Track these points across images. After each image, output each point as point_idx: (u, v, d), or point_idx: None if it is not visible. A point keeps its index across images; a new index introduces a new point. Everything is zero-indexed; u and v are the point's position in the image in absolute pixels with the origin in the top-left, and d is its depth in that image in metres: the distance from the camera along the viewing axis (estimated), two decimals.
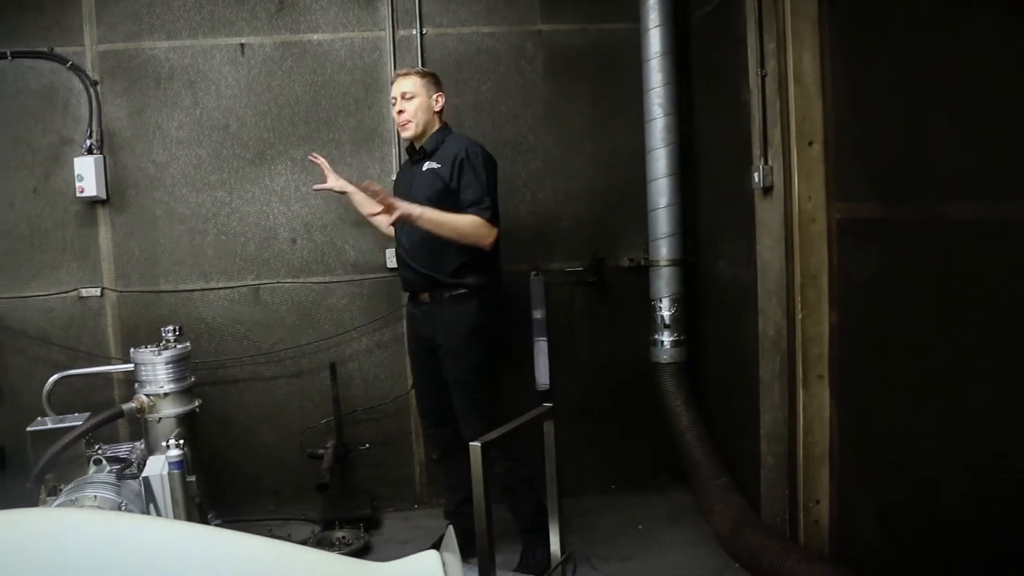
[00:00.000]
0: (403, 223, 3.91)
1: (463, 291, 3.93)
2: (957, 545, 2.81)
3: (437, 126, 4.06)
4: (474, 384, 3.96)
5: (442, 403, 4.07)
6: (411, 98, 3.96)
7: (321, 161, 4.48)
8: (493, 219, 3.88)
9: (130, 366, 4.10)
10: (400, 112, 4.00)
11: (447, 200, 3.86)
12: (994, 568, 2.63)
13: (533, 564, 3.96)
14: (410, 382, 4.91)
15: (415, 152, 4.09)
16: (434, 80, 4.06)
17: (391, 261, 4.83)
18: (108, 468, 3.77)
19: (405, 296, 4.38)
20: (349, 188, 4.44)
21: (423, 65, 4.79)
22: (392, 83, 4.08)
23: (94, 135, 4.63)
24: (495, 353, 4.11)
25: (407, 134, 4.05)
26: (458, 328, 3.93)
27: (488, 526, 2.20)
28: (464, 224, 3.82)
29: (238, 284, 4.87)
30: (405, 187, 4.08)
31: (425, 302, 4.03)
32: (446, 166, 3.89)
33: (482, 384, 4.00)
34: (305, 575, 2.09)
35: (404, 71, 4.05)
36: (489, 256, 3.96)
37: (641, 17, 4.70)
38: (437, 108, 4.03)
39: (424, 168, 3.97)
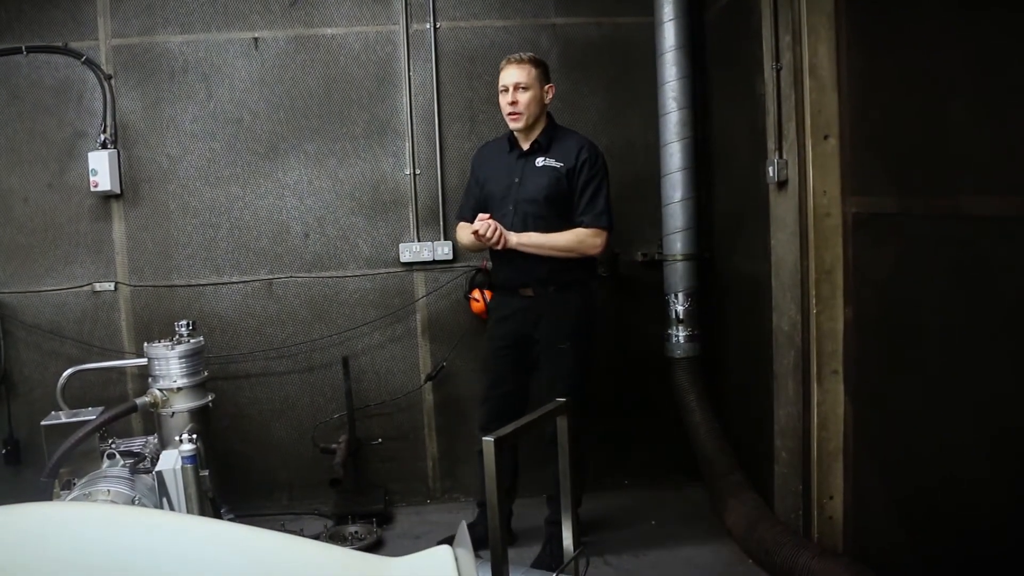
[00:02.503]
0: (513, 215, 3.94)
1: (567, 286, 3.94)
2: (972, 542, 2.79)
3: (545, 119, 4.01)
4: (573, 380, 3.91)
5: (517, 400, 4.03)
6: (525, 89, 3.88)
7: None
8: (608, 225, 3.90)
9: (143, 360, 4.11)
10: (513, 103, 3.90)
11: (564, 199, 3.90)
12: (1011, 565, 2.61)
13: (558, 555, 3.94)
14: (423, 377, 4.92)
15: (515, 144, 4.03)
16: (546, 70, 3.99)
17: (404, 255, 4.83)
18: (122, 462, 3.79)
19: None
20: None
21: (437, 58, 4.79)
22: (503, 69, 3.96)
23: (108, 129, 4.64)
24: (595, 350, 4.12)
25: (516, 126, 3.96)
26: (561, 323, 3.93)
27: (501, 521, 2.19)
28: (572, 241, 3.86)
29: (251, 278, 4.87)
30: (510, 178, 4.02)
31: (527, 296, 3.99)
32: (568, 164, 3.87)
33: (580, 380, 3.98)
34: (318, 570, 2.09)
35: (518, 57, 3.93)
36: (596, 255, 4.00)
37: (656, 11, 4.68)
38: (547, 101, 3.99)
39: (539, 163, 3.93)
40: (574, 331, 3.95)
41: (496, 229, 3.82)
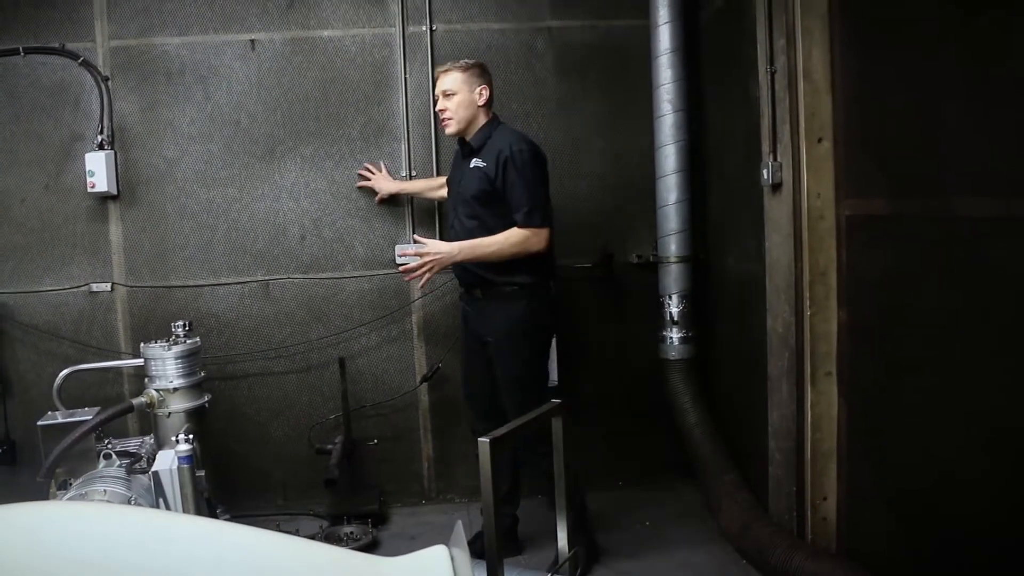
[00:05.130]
0: (453, 217, 4.00)
1: (515, 287, 3.91)
2: (966, 542, 2.80)
3: (483, 120, 4.01)
4: (522, 382, 3.94)
5: (490, 400, 4.07)
6: (452, 95, 3.93)
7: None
8: (541, 223, 3.85)
9: (140, 361, 4.11)
10: (442, 110, 3.97)
11: (494, 199, 3.87)
12: (1006, 565, 2.62)
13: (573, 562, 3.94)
14: (418, 378, 4.93)
15: (464, 145, 4.06)
16: (478, 72, 3.99)
17: (400, 257, 4.84)
18: (118, 462, 3.80)
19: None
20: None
21: (433, 61, 4.80)
22: (435, 80, 4.06)
23: (105, 131, 4.65)
24: (546, 351, 4.12)
25: (449, 131, 4.02)
26: (508, 325, 3.92)
27: (495, 522, 2.20)
28: (506, 244, 3.82)
29: (248, 280, 4.88)
30: (455, 180, 4.11)
31: (478, 298, 4.03)
32: (491, 164, 3.86)
33: (530, 382, 3.98)
34: (313, 570, 2.10)
35: (445, 68, 3.99)
36: (541, 253, 3.92)
37: (651, 13, 4.69)
38: (481, 102, 3.97)
39: (471, 165, 3.95)
40: (520, 333, 3.93)
41: (423, 265, 3.86)
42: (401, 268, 3.98)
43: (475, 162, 3.93)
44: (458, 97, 3.93)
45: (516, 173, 3.82)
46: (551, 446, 3.95)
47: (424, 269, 3.86)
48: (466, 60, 4.02)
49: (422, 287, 4.06)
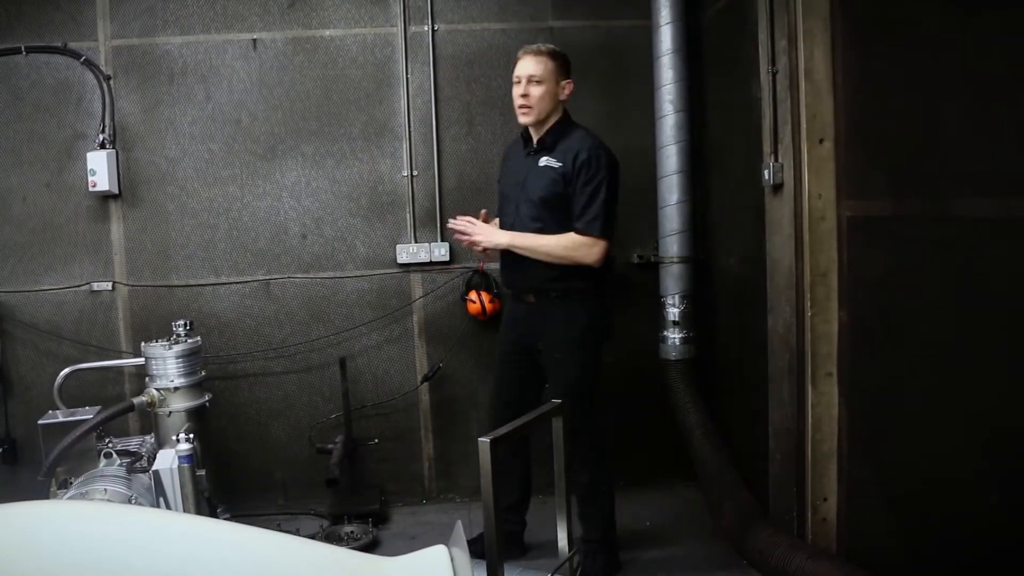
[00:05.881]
0: (513, 215, 3.85)
1: (571, 294, 3.76)
2: (966, 543, 2.80)
3: (559, 116, 3.81)
4: (575, 393, 3.66)
5: (526, 407, 3.78)
6: (538, 83, 3.69)
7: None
8: (601, 233, 3.67)
9: (141, 360, 4.12)
10: (524, 96, 3.71)
11: (562, 202, 3.70)
12: (1005, 566, 2.62)
13: (592, 574, 3.91)
14: (419, 378, 4.93)
15: (529, 140, 3.87)
16: (564, 64, 3.77)
17: (401, 256, 4.84)
18: (118, 462, 3.81)
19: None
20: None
21: (434, 61, 4.80)
22: (518, 60, 3.77)
23: (107, 130, 4.65)
24: (599, 359, 3.92)
25: (525, 120, 3.78)
26: (564, 333, 3.77)
27: (496, 523, 2.20)
28: (557, 247, 3.68)
29: (249, 279, 4.88)
30: (517, 177, 3.89)
31: (529, 304, 3.87)
32: (567, 165, 3.67)
33: (584, 393, 3.80)
34: (314, 569, 2.10)
35: (535, 48, 3.73)
36: (592, 266, 3.75)
37: (653, 14, 4.70)
38: (563, 97, 3.78)
39: (541, 163, 3.75)
40: (574, 342, 3.77)
41: (473, 225, 3.78)
42: (449, 224, 3.86)
43: (546, 160, 3.75)
44: (544, 87, 3.70)
45: (589, 179, 3.64)
46: (602, 467, 3.94)
47: (470, 232, 3.76)
48: (554, 47, 3.79)
49: (464, 246, 3.94)
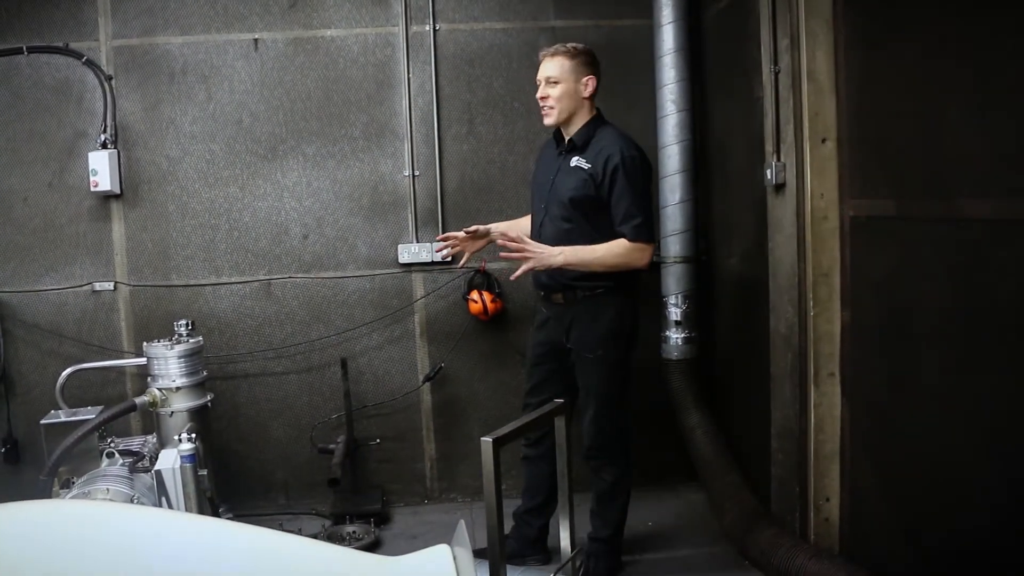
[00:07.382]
0: (542, 216, 3.77)
1: (601, 293, 3.70)
2: (968, 543, 2.80)
3: (587, 114, 3.74)
4: (603, 390, 3.75)
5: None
6: (555, 83, 3.65)
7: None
8: (649, 238, 3.64)
9: (143, 360, 4.12)
10: (543, 98, 3.70)
11: (594, 205, 3.64)
12: (1007, 566, 2.62)
13: (595, 574, 3.93)
14: (421, 377, 4.93)
15: (561, 140, 3.82)
16: (585, 60, 3.69)
17: (403, 256, 4.84)
18: (121, 461, 3.80)
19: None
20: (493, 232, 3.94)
21: (436, 61, 4.80)
22: (539, 62, 3.75)
23: (108, 130, 4.65)
24: (631, 359, 3.89)
25: (548, 121, 3.74)
26: (594, 332, 3.73)
27: (499, 522, 2.19)
28: (609, 256, 3.60)
29: (250, 279, 4.88)
30: (548, 176, 3.82)
31: (558, 303, 3.81)
32: (597, 167, 3.60)
33: (615, 393, 3.81)
34: (316, 569, 2.10)
35: (550, 51, 3.69)
36: (641, 270, 3.74)
37: (654, 13, 4.68)
38: (586, 94, 3.70)
39: (572, 164, 3.69)
40: (604, 341, 3.73)
41: (523, 254, 3.57)
42: (502, 255, 3.66)
43: (576, 161, 3.68)
44: (562, 87, 3.65)
45: (626, 182, 3.58)
46: (626, 467, 3.93)
47: (523, 257, 3.56)
48: (574, 45, 3.72)
49: (514, 278, 3.70)
